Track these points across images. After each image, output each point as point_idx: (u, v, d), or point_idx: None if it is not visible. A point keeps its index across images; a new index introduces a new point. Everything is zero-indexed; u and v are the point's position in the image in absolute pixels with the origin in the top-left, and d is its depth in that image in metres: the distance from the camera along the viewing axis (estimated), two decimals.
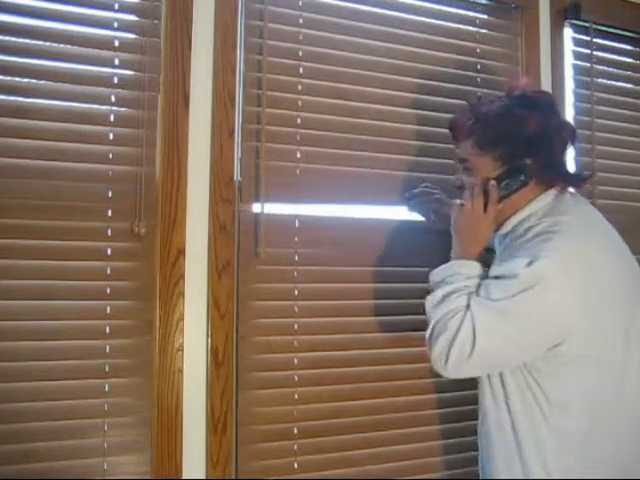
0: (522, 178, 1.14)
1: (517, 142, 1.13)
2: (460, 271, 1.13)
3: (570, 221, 1.10)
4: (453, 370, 1.08)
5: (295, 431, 1.35)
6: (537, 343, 1.06)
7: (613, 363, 1.07)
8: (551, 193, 1.15)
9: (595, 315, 1.05)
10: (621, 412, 1.07)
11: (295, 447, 1.35)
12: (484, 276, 1.13)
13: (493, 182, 1.14)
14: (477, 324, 1.04)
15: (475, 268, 1.14)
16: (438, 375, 1.12)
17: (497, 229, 1.19)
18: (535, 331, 1.05)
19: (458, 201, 1.22)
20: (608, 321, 1.07)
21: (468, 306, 1.07)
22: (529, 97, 1.17)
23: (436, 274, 1.16)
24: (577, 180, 1.21)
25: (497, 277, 1.08)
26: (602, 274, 1.08)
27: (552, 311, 1.04)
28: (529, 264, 1.03)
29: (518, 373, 1.09)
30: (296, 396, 1.36)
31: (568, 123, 1.21)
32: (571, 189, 1.21)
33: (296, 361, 1.36)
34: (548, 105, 1.17)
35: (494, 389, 1.13)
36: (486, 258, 1.18)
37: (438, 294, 1.12)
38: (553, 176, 1.15)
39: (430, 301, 1.13)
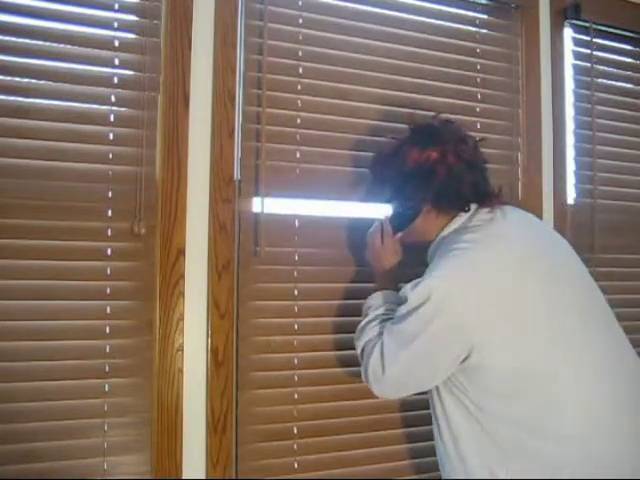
0: (409, 210, 1.23)
1: (399, 176, 1.21)
2: (373, 303, 1.24)
3: (472, 238, 1.12)
4: (379, 393, 1.17)
5: (295, 431, 1.36)
6: (441, 359, 1.08)
7: (536, 368, 1.05)
8: (463, 216, 1.18)
9: (499, 324, 1.05)
10: (580, 419, 1.04)
11: (295, 446, 1.35)
12: (396, 299, 1.19)
13: (386, 216, 1.28)
14: (384, 352, 1.11)
15: (385, 296, 1.23)
16: None
17: (432, 240, 1.23)
18: (432, 349, 1.08)
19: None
20: (524, 332, 1.06)
21: (381, 334, 1.15)
22: (417, 131, 1.25)
23: (363, 306, 1.27)
24: (481, 199, 1.19)
25: (401, 300, 1.14)
26: (507, 288, 1.07)
27: (443, 327, 1.06)
28: (414, 287, 1.08)
29: (448, 387, 1.12)
30: (296, 396, 1.36)
31: (460, 149, 1.18)
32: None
33: (296, 361, 1.37)
34: (431, 137, 1.20)
35: (434, 403, 1.17)
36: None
37: (359, 325, 1.23)
38: (445, 202, 1.18)
39: (355, 333, 1.23)
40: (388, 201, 1.30)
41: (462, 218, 1.18)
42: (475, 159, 1.21)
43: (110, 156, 1.24)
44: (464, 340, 1.05)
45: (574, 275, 1.18)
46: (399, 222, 1.26)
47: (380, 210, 1.45)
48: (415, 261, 1.25)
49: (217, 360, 1.29)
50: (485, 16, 1.64)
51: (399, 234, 1.26)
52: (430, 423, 1.47)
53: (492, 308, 1.05)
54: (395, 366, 1.10)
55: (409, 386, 1.16)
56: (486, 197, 1.20)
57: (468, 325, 1.05)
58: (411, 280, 1.12)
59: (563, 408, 1.04)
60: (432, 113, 1.35)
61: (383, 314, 1.20)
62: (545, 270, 1.13)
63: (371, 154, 1.45)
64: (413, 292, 1.08)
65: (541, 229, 1.29)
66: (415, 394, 1.20)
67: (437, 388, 1.15)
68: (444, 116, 1.32)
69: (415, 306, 1.07)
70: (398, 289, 1.20)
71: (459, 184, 1.17)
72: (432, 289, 1.06)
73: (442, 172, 1.16)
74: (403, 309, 1.10)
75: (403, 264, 1.30)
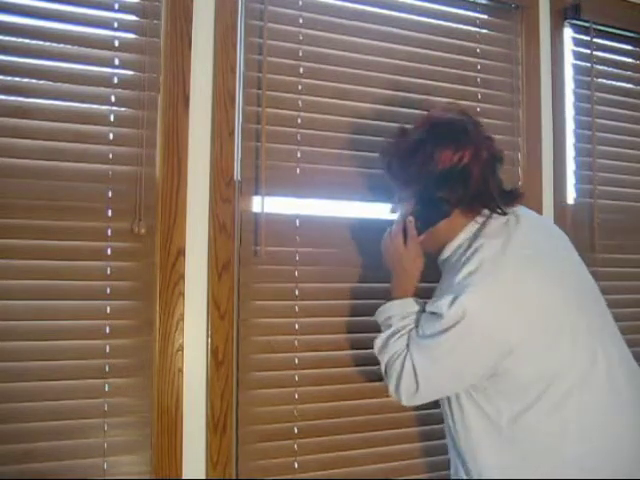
0: (438, 212, 1.16)
1: (429, 178, 1.13)
2: (396, 312, 1.18)
3: (495, 249, 1.10)
4: (409, 404, 1.16)
5: (295, 431, 1.35)
6: (475, 371, 1.09)
7: (558, 371, 1.07)
8: (479, 220, 1.16)
9: (528, 335, 1.06)
10: (592, 425, 1.06)
11: (295, 447, 1.35)
12: (422, 307, 1.17)
13: (410, 218, 1.19)
14: (416, 366, 1.10)
15: (408, 305, 1.19)
16: None
17: (438, 254, 1.21)
18: (467, 363, 1.08)
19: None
20: (550, 337, 1.07)
21: (408, 345, 1.13)
22: (442, 127, 1.16)
23: (379, 314, 1.22)
24: (505, 202, 1.17)
25: (430, 312, 1.11)
26: (533, 295, 1.08)
27: (477, 344, 1.06)
28: (451, 303, 1.05)
29: (467, 391, 1.12)
30: (296, 396, 1.36)
31: (488, 145, 1.16)
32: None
33: (296, 361, 1.37)
34: (462, 134, 1.14)
35: (452, 407, 1.16)
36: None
37: (382, 337, 1.18)
38: (477, 204, 1.15)
39: (376, 345, 1.19)
40: (407, 200, 1.20)
41: (476, 224, 1.16)
42: (500, 156, 1.19)
43: (110, 156, 1.24)
44: (498, 354, 1.06)
45: (580, 276, 1.19)
46: (424, 223, 1.18)
47: (381, 210, 1.46)
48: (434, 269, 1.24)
49: (217, 360, 1.28)
50: (485, 16, 1.64)
51: (422, 236, 1.19)
52: (430, 423, 1.48)
53: (522, 321, 1.06)
54: (429, 382, 1.10)
55: (440, 395, 1.18)
56: (510, 197, 1.18)
57: (501, 340, 1.06)
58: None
59: (584, 409, 1.06)
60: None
61: (407, 325, 1.16)
62: (558, 274, 1.13)
63: (371, 154, 1.45)
64: (449, 310, 1.05)
65: (549, 231, 1.26)
66: None
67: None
68: (457, 105, 1.27)
69: (451, 324, 1.05)
70: (417, 296, 1.21)
71: (491, 183, 1.14)
72: (467, 307, 1.04)
73: (477, 172, 1.12)
74: (437, 326, 1.07)
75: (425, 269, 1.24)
